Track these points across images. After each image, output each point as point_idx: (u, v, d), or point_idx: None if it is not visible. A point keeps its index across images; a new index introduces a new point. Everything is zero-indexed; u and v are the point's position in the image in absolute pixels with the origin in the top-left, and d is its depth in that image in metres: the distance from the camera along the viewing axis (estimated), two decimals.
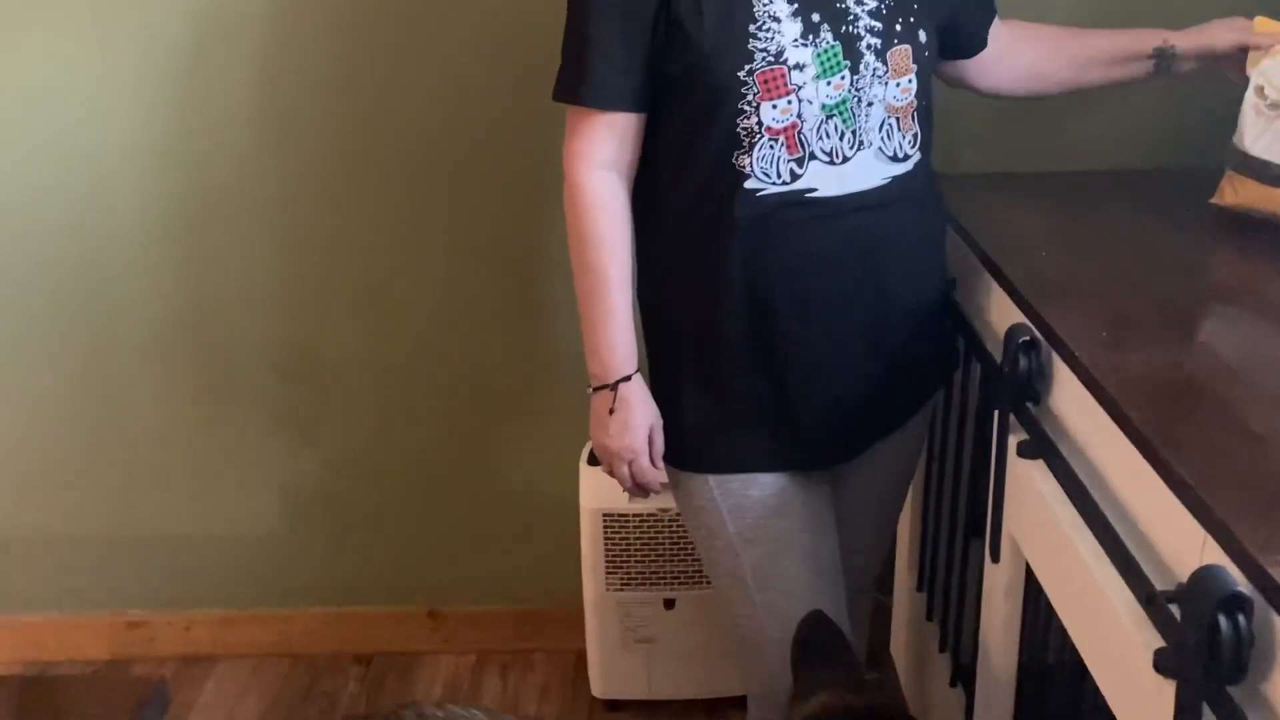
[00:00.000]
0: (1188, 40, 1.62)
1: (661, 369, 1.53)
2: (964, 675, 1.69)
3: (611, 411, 1.49)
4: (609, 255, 1.44)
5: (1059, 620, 1.24)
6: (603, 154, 1.43)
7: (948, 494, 1.80)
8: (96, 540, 2.45)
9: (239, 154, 2.18)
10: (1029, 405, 1.32)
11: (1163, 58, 1.63)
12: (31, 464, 2.40)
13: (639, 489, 1.56)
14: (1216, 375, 1.16)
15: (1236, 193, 1.53)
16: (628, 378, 1.49)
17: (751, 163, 1.38)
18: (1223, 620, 0.85)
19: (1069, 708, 1.25)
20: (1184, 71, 1.64)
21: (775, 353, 1.45)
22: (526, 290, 2.29)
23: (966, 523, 1.71)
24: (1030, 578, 1.35)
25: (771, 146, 1.37)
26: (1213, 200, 1.56)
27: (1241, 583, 0.85)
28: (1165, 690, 0.94)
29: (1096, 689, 1.11)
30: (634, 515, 2.20)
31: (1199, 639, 0.86)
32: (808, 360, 1.46)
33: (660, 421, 1.52)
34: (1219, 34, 1.61)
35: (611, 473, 1.56)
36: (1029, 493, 1.28)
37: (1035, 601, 1.35)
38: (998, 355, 1.40)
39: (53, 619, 2.48)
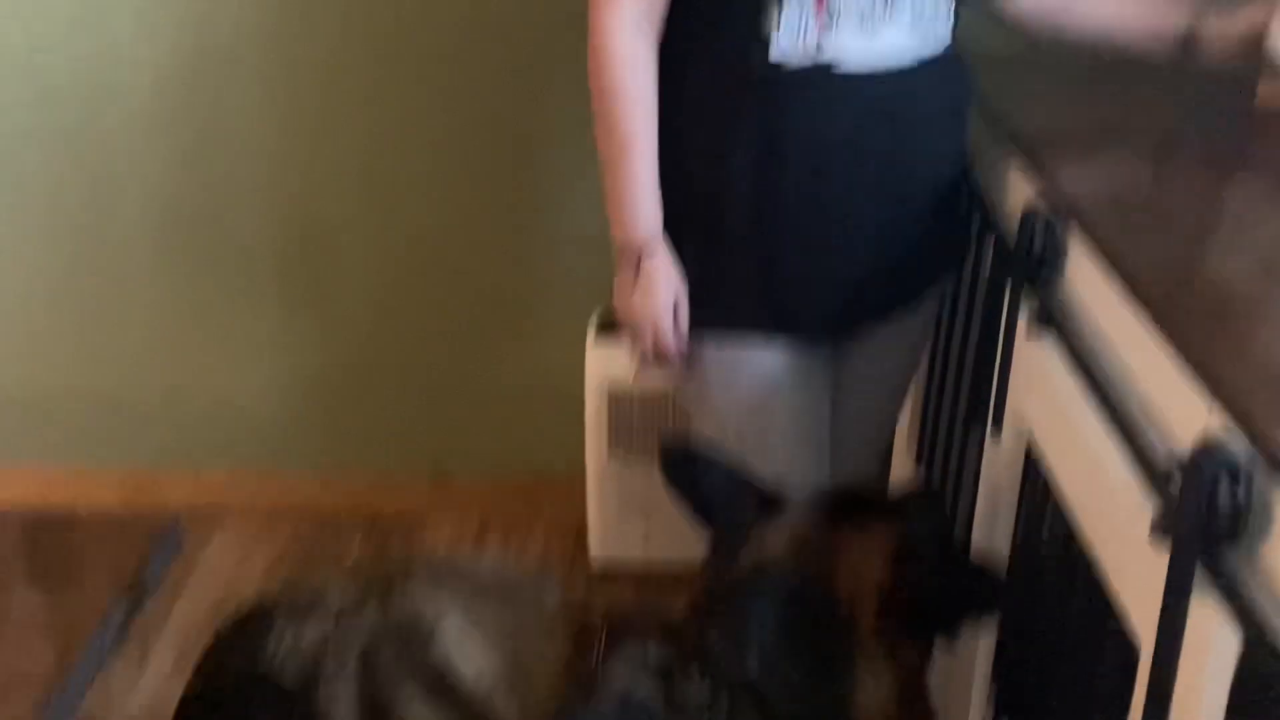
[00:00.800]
0: (1217, 26, 1.53)
1: (667, 229, 1.50)
2: None
3: (635, 278, 1.49)
4: (638, 116, 1.41)
5: (1056, 497, 1.26)
6: (634, 9, 1.39)
7: (951, 377, 1.81)
8: (101, 397, 2.48)
9: (240, 26, 2.16)
10: (1041, 282, 1.32)
11: (1187, 42, 1.54)
12: (37, 325, 2.42)
13: (659, 359, 1.55)
14: (1235, 258, 1.16)
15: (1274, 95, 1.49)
16: (652, 245, 1.47)
17: (778, 22, 1.35)
18: (1223, 486, 0.86)
19: (1061, 584, 1.28)
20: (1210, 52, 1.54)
21: (784, 219, 1.44)
22: (535, 162, 2.28)
23: (968, 408, 1.73)
24: (1029, 456, 1.37)
25: (799, 7, 1.34)
26: (1257, 102, 1.52)
27: (1244, 451, 0.87)
28: (1159, 558, 0.96)
29: (1088, 564, 1.14)
30: (639, 389, 2.22)
31: (1198, 504, 0.88)
32: (817, 230, 1.45)
33: (685, 291, 1.50)
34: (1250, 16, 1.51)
35: (633, 341, 1.56)
36: (1036, 368, 1.29)
37: (1033, 479, 1.37)
38: (1012, 235, 1.40)
39: (63, 471, 2.52)
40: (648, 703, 1.17)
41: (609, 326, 2.24)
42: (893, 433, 1.89)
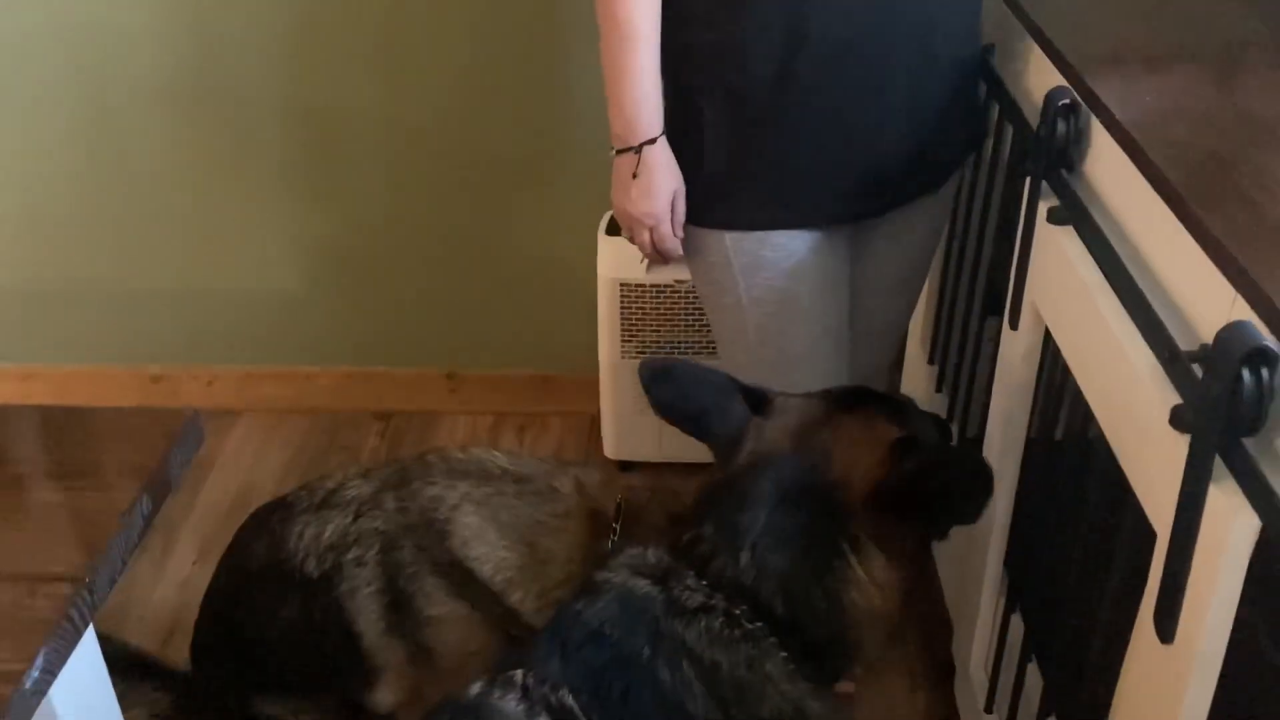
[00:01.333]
0: None
1: (684, 119, 1.48)
2: (970, 444, 1.73)
3: (635, 175, 1.47)
4: (640, 3, 1.39)
5: (1074, 388, 1.25)
6: None
7: (968, 268, 1.80)
8: (115, 294, 2.48)
9: None
10: (1062, 171, 1.30)
11: None
12: (49, 223, 2.41)
13: (658, 256, 1.55)
14: (1261, 145, 1.13)
15: None
16: (652, 140, 1.46)
17: None
18: (1246, 373, 0.86)
19: (1077, 474, 1.28)
20: None
21: (806, 100, 1.42)
22: (548, 54, 2.23)
23: (984, 298, 1.71)
24: (1046, 348, 1.36)
25: None
26: None
27: (1268, 337, 0.86)
28: (1179, 446, 0.96)
29: (1106, 454, 1.14)
30: (651, 285, 2.21)
31: (1221, 391, 0.88)
32: (838, 110, 1.43)
33: (683, 188, 1.49)
34: None
35: (631, 238, 1.56)
36: (1056, 258, 1.28)
37: (1050, 371, 1.36)
38: (1033, 122, 1.37)
39: (77, 370, 2.54)
40: (646, 602, 1.18)
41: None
42: (908, 323, 1.88)
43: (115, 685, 1.11)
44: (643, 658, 1.15)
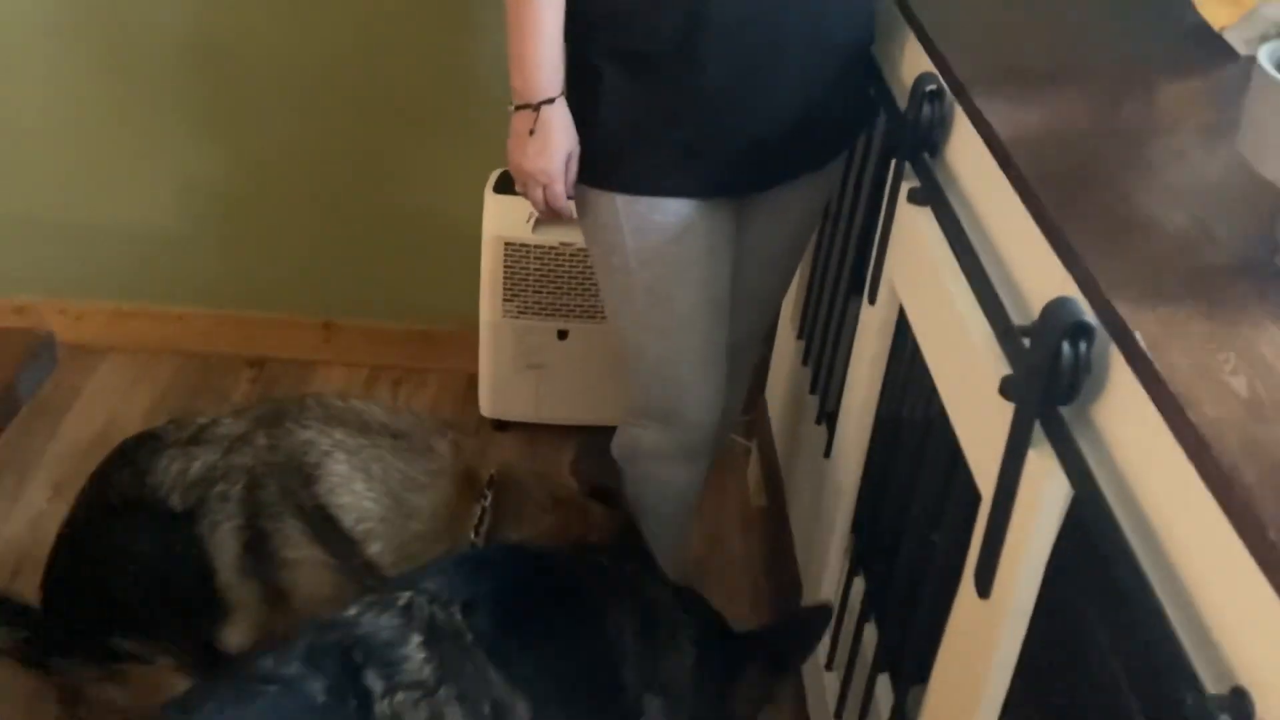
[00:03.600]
0: None
1: (583, 80, 1.51)
2: (829, 416, 1.80)
3: (531, 133, 1.49)
4: None
5: (920, 360, 1.32)
6: None
7: (837, 251, 1.86)
8: None
9: None
10: (925, 155, 1.36)
11: None
12: None
13: (550, 213, 1.57)
14: (1115, 146, 1.20)
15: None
16: (551, 100, 1.47)
17: None
18: (1066, 346, 0.92)
19: (919, 443, 1.35)
20: None
21: (702, 73, 1.46)
22: (449, 6, 2.23)
23: (850, 279, 1.78)
24: (900, 325, 1.43)
25: None
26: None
27: (1089, 314, 0.93)
28: (1004, 413, 1.02)
29: (947, 425, 1.21)
30: (535, 246, 2.23)
31: (1042, 362, 0.94)
32: (732, 84, 1.47)
33: (578, 149, 1.52)
34: None
35: (525, 195, 1.57)
36: (913, 237, 1.34)
37: (901, 345, 1.43)
38: (903, 107, 1.43)
39: None
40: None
41: (509, 182, 2.23)
42: (787, 288, 1.94)
43: None
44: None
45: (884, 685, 1.44)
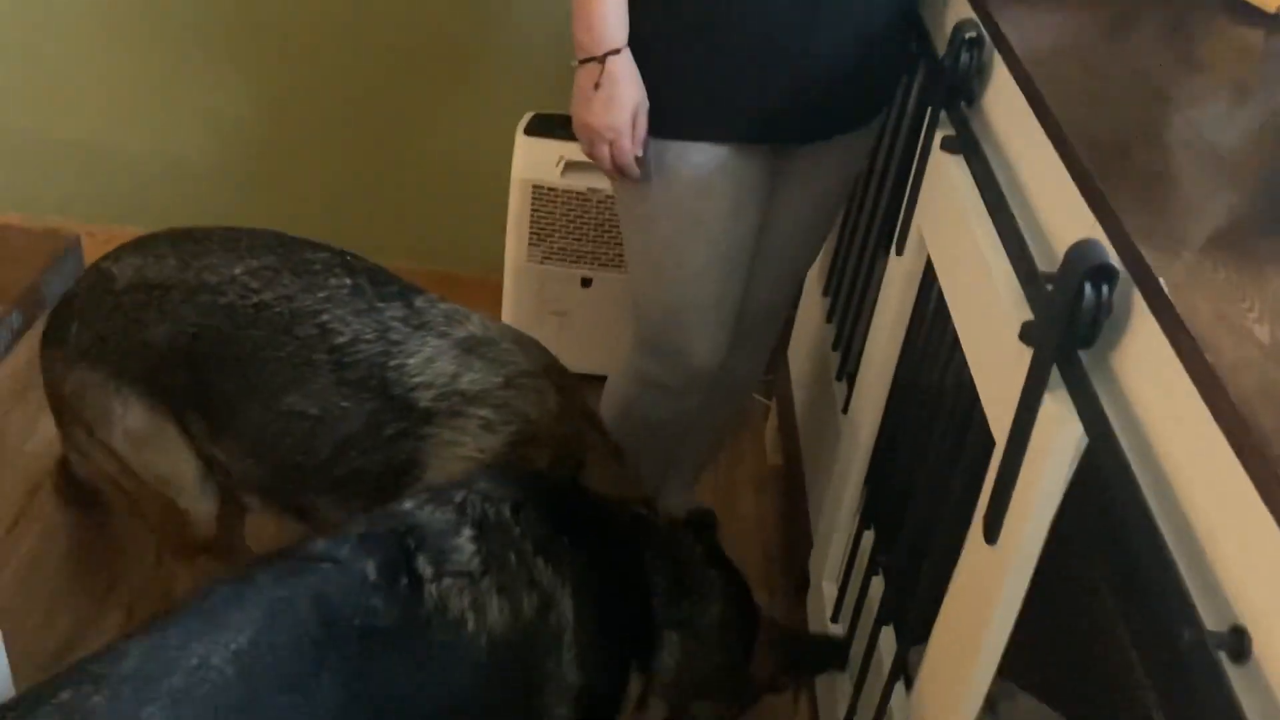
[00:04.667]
0: None
1: None
2: (850, 373, 1.79)
3: (597, 87, 1.46)
4: None
5: (943, 316, 1.31)
6: None
7: (869, 204, 1.84)
8: (22, 144, 2.41)
9: None
10: (962, 104, 1.34)
11: None
12: None
13: (617, 170, 1.54)
14: (1151, 99, 1.18)
15: None
16: (617, 50, 1.45)
17: None
18: (1088, 287, 0.91)
19: (938, 392, 1.34)
20: None
21: (738, 12, 1.44)
22: None
23: (880, 234, 1.76)
24: (926, 275, 1.41)
25: None
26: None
27: (1113, 256, 0.91)
28: (1024, 359, 1.01)
29: (960, 378, 1.20)
30: (564, 190, 2.22)
31: (1064, 302, 0.93)
32: (769, 27, 1.45)
33: (646, 103, 1.48)
34: None
35: (590, 152, 1.54)
36: (943, 186, 1.32)
37: (927, 295, 1.42)
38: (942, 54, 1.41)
39: None
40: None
41: (540, 126, 2.22)
42: (807, 269, 1.92)
43: None
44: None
45: (887, 638, 1.44)
